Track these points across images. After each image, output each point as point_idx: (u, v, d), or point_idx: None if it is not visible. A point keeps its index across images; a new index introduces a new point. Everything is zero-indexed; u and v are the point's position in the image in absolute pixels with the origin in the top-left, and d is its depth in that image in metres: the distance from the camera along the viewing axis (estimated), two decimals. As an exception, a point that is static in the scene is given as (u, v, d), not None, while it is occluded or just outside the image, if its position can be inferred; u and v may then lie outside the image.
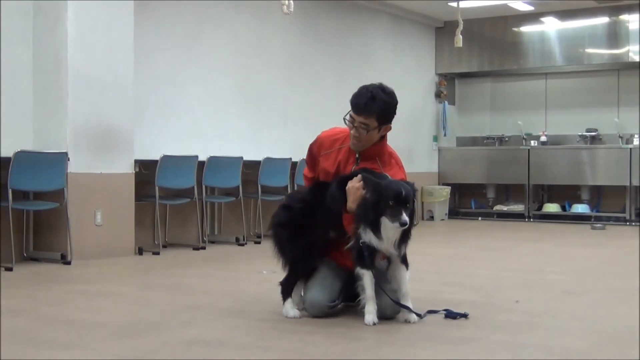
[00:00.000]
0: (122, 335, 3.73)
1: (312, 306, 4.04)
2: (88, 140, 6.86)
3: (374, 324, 3.83)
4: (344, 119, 4.03)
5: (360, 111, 3.91)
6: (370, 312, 3.85)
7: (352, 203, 3.88)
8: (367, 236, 3.79)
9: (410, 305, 3.90)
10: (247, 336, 3.71)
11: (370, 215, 3.77)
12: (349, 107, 4.01)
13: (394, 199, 3.72)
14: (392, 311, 3.95)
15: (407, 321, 3.90)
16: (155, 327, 3.90)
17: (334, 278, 4.09)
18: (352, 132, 3.99)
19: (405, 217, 3.69)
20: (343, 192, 3.93)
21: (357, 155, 4.08)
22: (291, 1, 7.47)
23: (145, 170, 7.45)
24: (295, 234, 4.06)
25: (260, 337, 3.69)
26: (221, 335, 3.71)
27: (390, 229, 3.76)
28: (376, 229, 3.76)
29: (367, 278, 3.83)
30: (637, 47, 11.06)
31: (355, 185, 3.87)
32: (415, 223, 3.88)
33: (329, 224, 4.01)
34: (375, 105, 3.91)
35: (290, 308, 4.06)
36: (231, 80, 8.99)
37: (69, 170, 6.62)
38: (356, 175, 3.91)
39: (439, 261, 6.83)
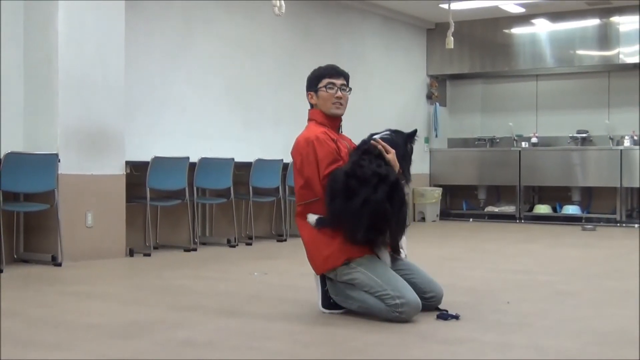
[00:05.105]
0: (113, 337, 3.72)
1: (409, 306, 3.93)
2: (79, 141, 6.84)
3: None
4: (321, 88, 4.27)
5: (339, 74, 4.33)
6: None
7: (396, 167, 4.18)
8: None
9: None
10: (238, 337, 3.71)
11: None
12: None
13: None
14: None
15: None
16: (146, 329, 3.89)
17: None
18: (335, 96, 4.26)
19: None
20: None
21: (340, 125, 4.36)
22: (282, 2, 7.45)
23: (136, 171, 7.43)
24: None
25: (252, 338, 3.69)
26: (212, 337, 3.71)
27: None
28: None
29: None
30: (628, 49, 11.12)
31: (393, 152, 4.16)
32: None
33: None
34: (343, 70, 4.38)
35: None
36: (222, 81, 8.98)
37: (59, 172, 6.60)
38: (373, 146, 4.13)
39: (430, 262, 6.80)
